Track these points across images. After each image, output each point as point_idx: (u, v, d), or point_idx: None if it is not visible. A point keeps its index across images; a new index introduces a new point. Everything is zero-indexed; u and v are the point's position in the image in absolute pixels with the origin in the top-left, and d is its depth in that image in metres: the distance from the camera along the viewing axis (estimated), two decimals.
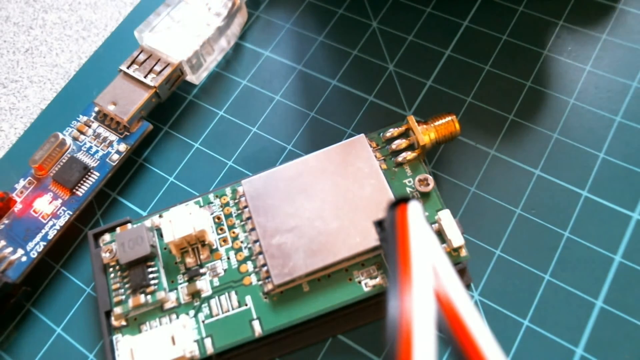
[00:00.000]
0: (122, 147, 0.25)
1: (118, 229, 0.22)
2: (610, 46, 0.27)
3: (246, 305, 0.21)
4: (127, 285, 0.21)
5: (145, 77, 0.26)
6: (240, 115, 0.27)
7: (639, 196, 0.23)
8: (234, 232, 0.22)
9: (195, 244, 0.22)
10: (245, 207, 0.22)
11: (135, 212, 0.25)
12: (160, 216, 0.23)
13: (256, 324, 0.20)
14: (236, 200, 0.23)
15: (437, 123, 0.23)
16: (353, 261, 0.21)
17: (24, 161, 0.26)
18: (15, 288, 0.23)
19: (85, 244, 0.25)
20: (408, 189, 0.22)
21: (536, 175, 0.24)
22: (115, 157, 0.25)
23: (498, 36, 0.28)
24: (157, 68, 0.26)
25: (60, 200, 0.24)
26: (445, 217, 0.21)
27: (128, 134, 0.25)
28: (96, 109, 0.26)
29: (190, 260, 0.22)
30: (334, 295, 0.20)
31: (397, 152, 0.23)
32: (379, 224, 0.19)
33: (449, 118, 0.23)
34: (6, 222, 0.24)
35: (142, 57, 0.26)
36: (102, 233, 0.23)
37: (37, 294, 0.24)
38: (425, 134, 0.23)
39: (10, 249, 0.23)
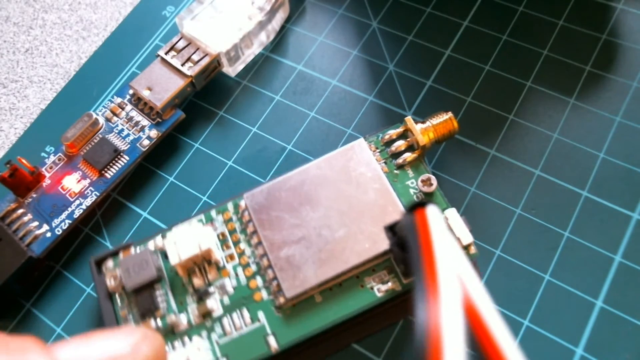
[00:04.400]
0: (154, 133, 0.25)
1: (121, 254, 0.22)
2: (610, 46, 0.27)
3: (259, 321, 0.20)
4: (135, 311, 0.21)
5: (182, 65, 0.26)
6: (241, 115, 0.27)
7: (639, 196, 0.23)
8: (239, 248, 0.21)
9: (202, 263, 0.21)
10: (249, 221, 0.22)
11: (135, 212, 0.25)
12: (163, 237, 0.22)
13: (271, 340, 0.20)
14: (239, 215, 0.22)
15: (435, 122, 0.23)
16: (363, 267, 0.20)
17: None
18: (38, 262, 0.23)
19: (85, 244, 0.25)
20: (412, 190, 0.22)
21: (536, 175, 0.24)
22: (146, 142, 0.25)
23: (498, 36, 0.28)
24: (195, 57, 0.26)
25: (88, 180, 0.24)
26: (452, 216, 0.21)
27: (160, 120, 0.25)
28: (131, 91, 0.26)
29: (198, 280, 0.21)
30: (348, 304, 0.20)
31: (397, 154, 0.23)
32: (390, 229, 0.19)
33: (446, 116, 0.23)
34: (34, 196, 0.24)
35: (181, 45, 0.26)
36: (104, 259, 0.22)
37: (37, 294, 0.24)
38: (425, 134, 0.22)
39: (36, 223, 0.23)
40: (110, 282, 0.21)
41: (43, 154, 0.27)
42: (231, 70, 0.27)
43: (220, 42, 0.26)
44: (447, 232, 0.15)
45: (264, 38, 0.28)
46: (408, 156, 0.22)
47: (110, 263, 0.22)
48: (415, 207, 0.16)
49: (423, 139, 0.22)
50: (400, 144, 0.23)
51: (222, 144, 0.26)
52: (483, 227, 0.23)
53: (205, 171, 0.26)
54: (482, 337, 0.13)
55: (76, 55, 0.31)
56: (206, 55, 0.26)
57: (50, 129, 0.28)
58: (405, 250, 0.18)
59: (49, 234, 0.23)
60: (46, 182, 0.24)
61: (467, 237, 0.20)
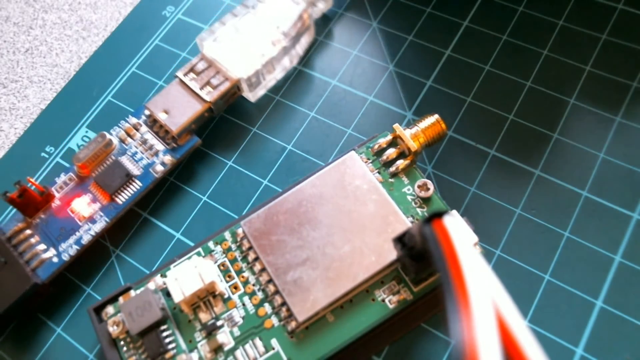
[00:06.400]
0: (168, 159, 0.24)
1: (120, 299, 0.21)
2: (610, 47, 0.27)
3: (273, 349, 0.20)
4: (143, 356, 0.20)
5: (201, 88, 0.25)
6: (240, 115, 0.27)
7: (639, 196, 0.23)
8: (243, 277, 0.21)
9: (206, 297, 0.21)
10: (250, 248, 0.21)
11: (135, 212, 0.25)
12: (163, 275, 0.21)
13: None
14: (238, 244, 0.22)
15: (423, 126, 0.23)
16: (372, 281, 0.20)
17: (24, 161, 0.26)
18: (43, 288, 0.22)
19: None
20: (409, 197, 0.22)
21: (536, 175, 0.24)
22: (159, 168, 0.24)
23: (498, 36, 0.28)
24: (215, 81, 0.25)
25: (98, 205, 0.23)
26: (454, 218, 0.20)
27: (176, 145, 0.24)
28: (147, 112, 0.25)
29: (204, 315, 0.20)
30: (361, 320, 0.20)
31: (389, 163, 0.22)
32: (399, 240, 0.18)
33: (433, 119, 0.23)
34: (42, 216, 0.23)
35: (200, 67, 0.25)
36: (103, 306, 0.21)
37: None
38: (415, 140, 0.22)
39: (43, 247, 0.23)
40: (113, 329, 0.20)
41: (43, 154, 0.27)
42: (251, 95, 0.26)
43: (241, 67, 0.25)
44: (469, 242, 0.14)
45: (287, 63, 0.27)
46: (401, 163, 0.22)
47: (110, 309, 0.21)
48: (433, 217, 0.15)
49: (414, 145, 0.22)
50: (392, 152, 0.22)
51: (222, 144, 0.26)
52: (483, 227, 0.23)
53: (206, 171, 0.26)
54: (513, 354, 0.12)
55: (76, 55, 0.31)
56: (226, 80, 0.25)
57: (50, 129, 0.28)
58: (417, 260, 0.18)
59: (55, 259, 0.22)
60: (55, 202, 0.24)
61: (472, 238, 0.20)
